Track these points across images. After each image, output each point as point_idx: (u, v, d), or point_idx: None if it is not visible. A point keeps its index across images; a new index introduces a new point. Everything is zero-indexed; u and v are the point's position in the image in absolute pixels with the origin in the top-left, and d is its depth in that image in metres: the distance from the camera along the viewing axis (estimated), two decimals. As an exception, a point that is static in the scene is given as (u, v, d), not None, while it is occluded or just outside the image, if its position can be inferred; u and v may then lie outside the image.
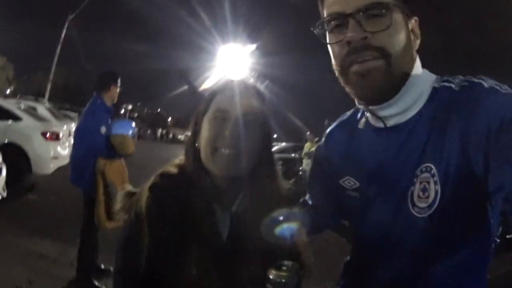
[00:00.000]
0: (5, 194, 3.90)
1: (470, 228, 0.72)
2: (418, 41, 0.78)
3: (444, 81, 0.76)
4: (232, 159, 0.76)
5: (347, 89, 0.81)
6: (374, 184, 0.81)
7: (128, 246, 0.78)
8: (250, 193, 0.80)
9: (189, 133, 0.85)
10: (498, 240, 0.77)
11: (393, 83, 0.74)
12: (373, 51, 0.71)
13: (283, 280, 0.67)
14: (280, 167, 0.88)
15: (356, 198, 0.86)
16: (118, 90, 2.92)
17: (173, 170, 0.82)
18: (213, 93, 0.82)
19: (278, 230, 0.76)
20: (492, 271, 0.78)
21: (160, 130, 42.57)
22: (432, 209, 0.69)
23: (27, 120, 5.92)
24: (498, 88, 0.67)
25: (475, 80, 0.71)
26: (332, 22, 0.76)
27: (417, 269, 0.75)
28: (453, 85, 0.74)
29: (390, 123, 0.78)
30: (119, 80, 2.91)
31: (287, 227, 0.76)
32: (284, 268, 0.69)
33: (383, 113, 0.78)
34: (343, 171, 0.87)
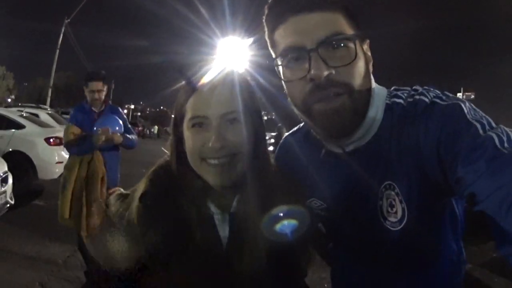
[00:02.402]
0: (12, 202, 3.98)
1: (441, 225, 0.75)
2: (371, 63, 0.75)
3: (394, 96, 0.74)
4: (222, 168, 0.68)
5: (309, 124, 0.77)
6: (342, 205, 0.80)
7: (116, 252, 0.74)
8: (248, 191, 0.73)
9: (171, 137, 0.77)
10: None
11: (358, 116, 0.72)
12: (338, 87, 0.68)
13: None
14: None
15: (326, 216, 0.84)
16: (89, 91, 2.96)
17: (162, 174, 0.75)
18: (187, 95, 0.72)
19: (278, 226, 0.72)
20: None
21: (157, 128, 42.23)
22: (403, 224, 0.71)
23: (30, 128, 6.01)
24: (438, 100, 0.67)
25: (417, 96, 0.70)
26: (289, 56, 0.71)
27: (394, 277, 0.78)
28: (402, 101, 0.72)
29: (349, 148, 0.76)
30: (89, 83, 2.95)
31: (288, 223, 0.72)
32: None
33: (342, 142, 0.76)
34: (308, 192, 0.83)
